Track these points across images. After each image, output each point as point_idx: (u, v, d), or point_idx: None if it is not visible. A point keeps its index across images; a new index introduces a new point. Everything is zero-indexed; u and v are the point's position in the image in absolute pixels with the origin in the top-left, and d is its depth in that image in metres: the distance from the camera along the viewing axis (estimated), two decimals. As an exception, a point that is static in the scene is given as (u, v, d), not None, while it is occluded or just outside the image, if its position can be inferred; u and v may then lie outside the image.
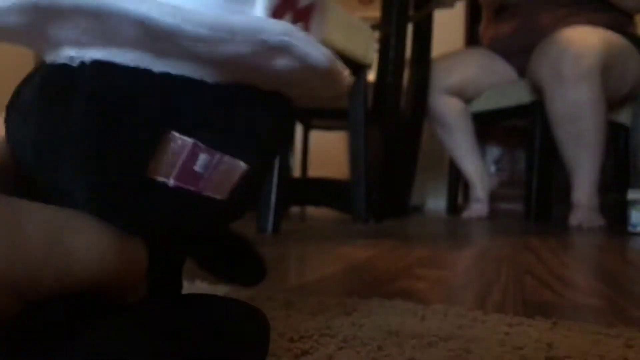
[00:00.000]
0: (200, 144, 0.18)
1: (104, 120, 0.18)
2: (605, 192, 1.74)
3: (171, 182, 0.18)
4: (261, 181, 0.21)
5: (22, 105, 0.20)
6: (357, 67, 1.43)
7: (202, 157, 0.18)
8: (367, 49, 1.41)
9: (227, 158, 0.19)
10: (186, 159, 0.18)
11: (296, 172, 2.35)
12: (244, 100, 0.19)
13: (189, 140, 0.18)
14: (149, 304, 0.22)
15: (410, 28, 1.79)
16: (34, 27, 0.18)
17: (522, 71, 1.87)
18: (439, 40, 2.09)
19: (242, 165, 0.19)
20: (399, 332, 0.35)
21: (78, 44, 0.18)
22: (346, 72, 0.22)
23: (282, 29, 0.17)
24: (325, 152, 2.60)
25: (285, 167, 1.14)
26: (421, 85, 1.92)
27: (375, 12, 1.78)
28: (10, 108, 0.20)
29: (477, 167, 1.96)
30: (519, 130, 2.26)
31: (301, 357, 0.29)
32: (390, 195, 1.68)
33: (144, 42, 0.17)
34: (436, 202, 2.56)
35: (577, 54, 1.56)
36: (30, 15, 0.17)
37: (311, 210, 1.92)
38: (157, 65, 0.18)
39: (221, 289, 0.43)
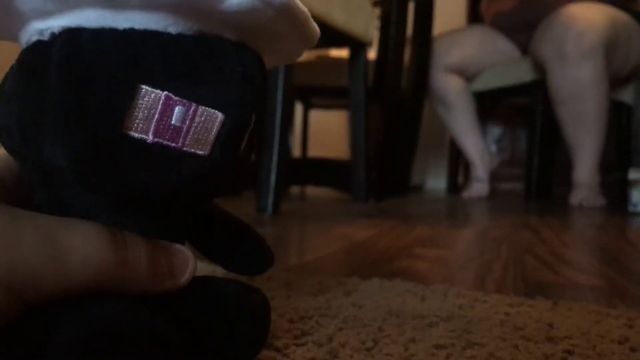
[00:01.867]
0: (172, 95, 0.18)
1: (75, 85, 0.18)
2: (606, 171, 1.74)
3: (150, 137, 0.18)
4: (244, 138, 0.21)
5: (5, 93, 0.20)
6: (358, 45, 1.41)
7: (178, 110, 0.19)
8: (368, 26, 1.39)
9: (202, 109, 0.19)
10: (161, 112, 0.18)
11: (296, 152, 2.34)
12: (209, 50, 0.19)
13: (161, 93, 0.18)
14: None
15: (411, 5, 1.77)
16: (1, 2, 0.18)
17: (525, 49, 1.85)
18: (441, 18, 2.07)
19: (219, 115, 0.19)
20: (400, 313, 0.34)
21: (44, 13, 0.19)
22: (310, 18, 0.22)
23: None
24: (325, 131, 2.59)
25: (285, 147, 1.13)
26: (422, 63, 1.90)
27: (376, -11, 1.75)
28: None
29: (477, 146, 1.95)
30: (520, 109, 2.25)
31: (301, 337, 0.29)
32: (391, 175, 1.67)
33: None
34: (436, 182, 2.56)
35: (580, 32, 1.54)
36: None
37: (311, 190, 1.92)
38: (121, 22, 0.18)
39: (220, 270, 0.43)
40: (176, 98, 0.18)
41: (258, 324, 0.25)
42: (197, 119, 0.19)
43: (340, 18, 1.23)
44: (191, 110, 0.19)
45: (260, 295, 0.26)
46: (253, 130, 0.21)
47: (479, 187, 1.93)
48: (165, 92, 0.18)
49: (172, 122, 0.19)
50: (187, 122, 0.19)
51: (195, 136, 0.19)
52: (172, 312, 0.22)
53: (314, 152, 2.37)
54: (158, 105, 0.18)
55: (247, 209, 1.07)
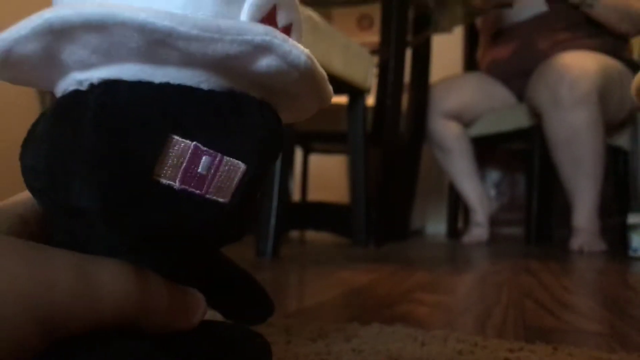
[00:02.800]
0: (200, 146, 0.19)
1: (110, 132, 0.19)
2: (605, 216, 1.74)
3: (177, 184, 0.19)
4: (258, 190, 0.22)
5: (36, 136, 0.21)
6: (357, 92, 1.44)
7: (204, 159, 0.20)
8: (367, 73, 1.42)
9: (226, 159, 0.20)
10: (189, 160, 0.19)
11: (296, 196, 2.35)
12: (236, 105, 0.21)
13: (190, 143, 0.19)
14: None
15: (409, 53, 1.81)
16: (48, 53, 0.19)
17: (521, 95, 1.89)
18: (438, 65, 2.11)
19: (242, 165, 0.20)
20: (399, 358, 0.34)
21: (86, 66, 0.20)
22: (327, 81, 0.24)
23: (265, 30, 0.20)
24: (325, 175, 2.61)
25: (285, 191, 1.14)
26: (420, 109, 1.93)
27: (374, 38, 1.80)
28: (25, 143, 0.21)
29: (477, 191, 1.96)
30: (518, 154, 2.27)
31: (301, 383, 0.29)
32: (390, 219, 1.68)
33: (145, 52, 0.19)
34: (436, 226, 2.56)
35: (574, 79, 1.57)
36: (45, 40, 0.19)
37: (311, 235, 1.92)
38: (157, 76, 0.20)
39: (220, 316, 0.43)
40: (204, 148, 0.20)
41: (259, 369, 0.25)
42: (221, 169, 0.20)
43: (339, 66, 1.26)
44: (216, 160, 0.20)
45: (262, 340, 0.26)
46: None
47: (478, 231, 1.93)
48: (194, 143, 0.19)
49: (199, 170, 0.20)
50: (213, 171, 0.20)
51: (218, 184, 0.20)
52: (177, 354, 0.22)
53: (313, 196, 2.38)
54: (187, 154, 0.19)
55: (247, 253, 1.07)
